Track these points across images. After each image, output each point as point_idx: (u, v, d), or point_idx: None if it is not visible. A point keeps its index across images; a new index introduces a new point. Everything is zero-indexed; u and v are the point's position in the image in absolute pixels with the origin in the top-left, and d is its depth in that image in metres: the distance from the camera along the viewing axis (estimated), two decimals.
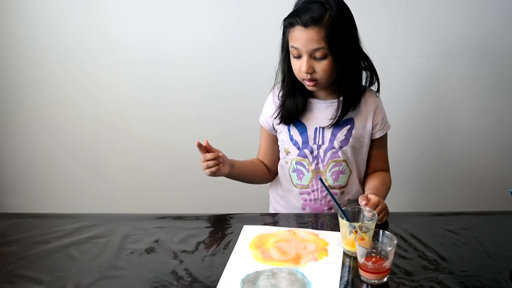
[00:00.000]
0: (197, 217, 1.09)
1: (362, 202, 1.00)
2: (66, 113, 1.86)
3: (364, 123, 1.20)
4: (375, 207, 1.02)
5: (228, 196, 1.90)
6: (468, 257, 0.92)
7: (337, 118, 1.17)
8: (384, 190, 1.21)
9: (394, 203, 1.29)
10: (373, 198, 1.03)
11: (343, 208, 0.96)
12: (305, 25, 1.07)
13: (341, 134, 1.19)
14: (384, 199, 1.19)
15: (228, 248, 0.96)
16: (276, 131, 1.25)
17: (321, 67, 1.10)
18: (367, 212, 0.98)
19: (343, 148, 1.19)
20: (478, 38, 1.71)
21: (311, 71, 1.10)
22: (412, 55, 1.74)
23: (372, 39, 1.75)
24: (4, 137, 1.90)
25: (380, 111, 1.22)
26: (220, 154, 1.14)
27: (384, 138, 1.25)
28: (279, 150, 1.27)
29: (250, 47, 1.74)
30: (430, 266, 0.89)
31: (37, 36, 1.76)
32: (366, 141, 1.22)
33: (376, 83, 1.21)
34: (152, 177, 1.93)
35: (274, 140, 1.27)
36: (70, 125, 1.88)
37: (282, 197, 1.28)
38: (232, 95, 1.80)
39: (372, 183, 1.22)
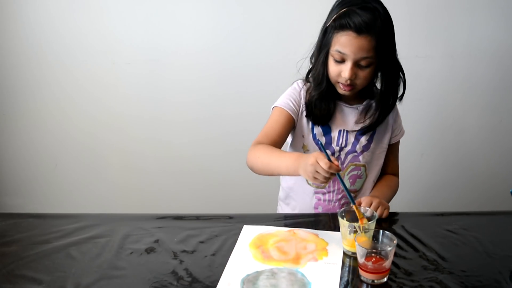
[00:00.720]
0: (197, 217, 1.09)
1: (353, 207, 1.01)
2: (66, 113, 1.86)
3: (385, 129, 1.21)
4: (369, 206, 1.02)
5: (228, 196, 1.90)
6: (468, 257, 0.92)
7: (372, 124, 1.15)
8: (387, 191, 1.21)
9: (394, 203, 1.28)
10: (364, 199, 1.05)
11: (342, 209, 0.96)
12: (359, 31, 1.02)
13: (364, 139, 1.19)
14: (388, 201, 1.19)
15: (228, 248, 0.96)
16: (298, 116, 1.19)
17: (364, 74, 1.08)
18: (366, 212, 0.98)
19: (364, 153, 1.19)
20: (478, 39, 1.72)
21: (354, 78, 1.07)
22: (412, 55, 1.74)
23: None
24: (4, 137, 1.90)
25: (399, 118, 1.24)
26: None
27: (398, 143, 1.26)
28: (285, 140, 1.21)
29: (250, 48, 1.75)
30: (430, 266, 0.89)
31: (37, 36, 1.76)
32: (385, 147, 1.23)
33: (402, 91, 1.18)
34: (152, 177, 1.93)
35: (291, 125, 1.19)
36: (70, 125, 1.88)
37: (294, 194, 1.26)
38: (232, 96, 1.80)
39: (376, 185, 1.23)
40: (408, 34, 1.72)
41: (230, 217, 1.09)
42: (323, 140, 1.19)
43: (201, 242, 0.98)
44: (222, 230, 1.03)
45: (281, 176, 1.30)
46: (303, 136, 1.20)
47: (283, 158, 1.03)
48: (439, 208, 1.89)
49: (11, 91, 1.84)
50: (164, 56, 1.77)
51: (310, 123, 1.19)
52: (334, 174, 0.94)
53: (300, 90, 1.19)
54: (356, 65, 1.06)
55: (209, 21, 1.73)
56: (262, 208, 1.37)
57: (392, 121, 1.22)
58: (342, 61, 1.07)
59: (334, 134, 1.18)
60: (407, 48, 1.73)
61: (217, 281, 0.85)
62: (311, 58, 1.16)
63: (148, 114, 1.85)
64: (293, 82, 1.22)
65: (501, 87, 1.78)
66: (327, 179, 0.95)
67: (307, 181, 1.22)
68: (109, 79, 1.81)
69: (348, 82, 1.08)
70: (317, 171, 0.94)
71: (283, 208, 1.30)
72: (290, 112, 1.16)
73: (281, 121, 1.16)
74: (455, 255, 0.93)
